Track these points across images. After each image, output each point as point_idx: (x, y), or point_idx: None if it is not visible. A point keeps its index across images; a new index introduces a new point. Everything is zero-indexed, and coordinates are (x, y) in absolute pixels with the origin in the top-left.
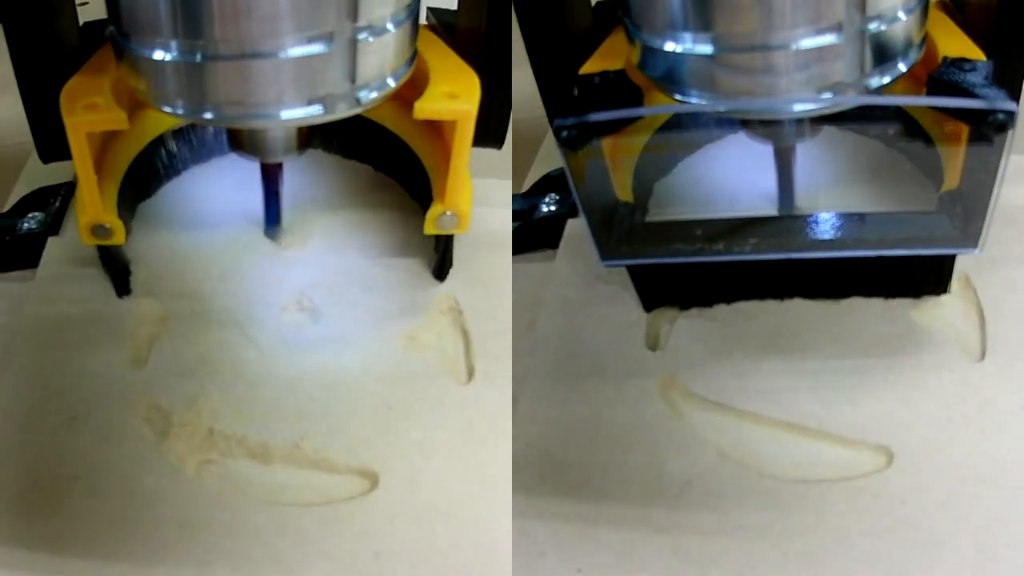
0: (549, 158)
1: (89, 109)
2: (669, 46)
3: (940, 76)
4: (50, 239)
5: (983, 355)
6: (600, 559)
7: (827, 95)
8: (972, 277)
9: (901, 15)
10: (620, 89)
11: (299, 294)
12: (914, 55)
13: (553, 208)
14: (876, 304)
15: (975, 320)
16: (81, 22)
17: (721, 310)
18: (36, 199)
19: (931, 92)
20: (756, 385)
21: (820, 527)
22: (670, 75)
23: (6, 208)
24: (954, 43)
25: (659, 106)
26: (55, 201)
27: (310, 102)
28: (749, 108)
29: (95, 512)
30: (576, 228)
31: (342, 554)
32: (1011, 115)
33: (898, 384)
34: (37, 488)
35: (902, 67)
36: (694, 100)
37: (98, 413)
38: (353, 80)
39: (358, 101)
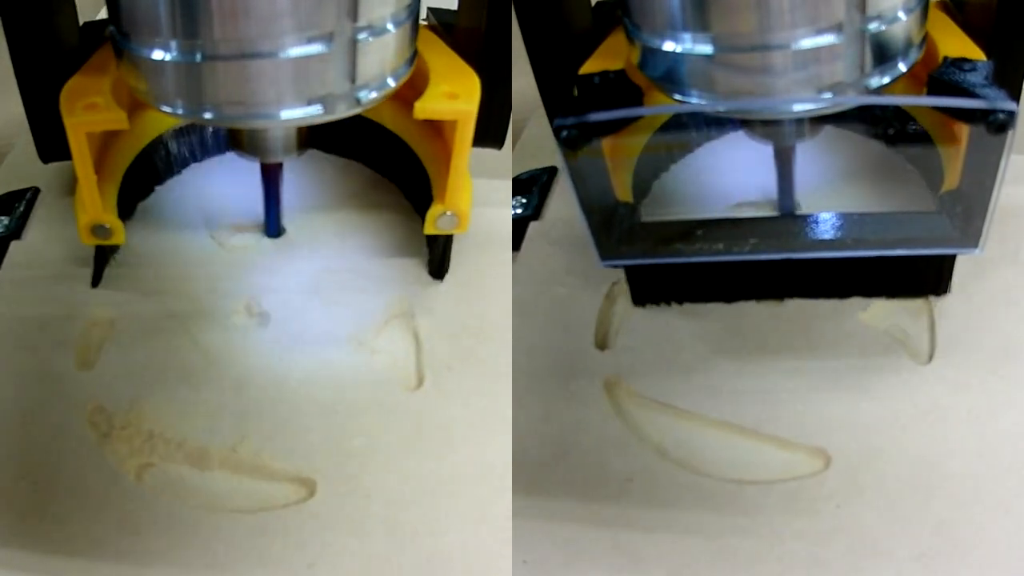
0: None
1: (89, 109)
2: (669, 46)
3: (940, 76)
4: (12, 243)
5: (931, 358)
6: (543, 552)
7: (827, 95)
8: None
9: (901, 15)
10: (620, 89)
11: (250, 298)
12: (914, 55)
13: (519, 211)
14: (824, 305)
15: (925, 322)
16: (81, 22)
17: (670, 311)
18: (1, 204)
19: (931, 92)
20: (700, 385)
21: (755, 528)
22: (670, 75)
23: None
24: (954, 43)
25: (659, 106)
26: (19, 206)
27: (310, 102)
28: (749, 108)
29: (40, 510)
30: (533, 230)
31: (277, 563)
32: (1011, 115)
33: (841, 387)
34: None
35: (902, 67)
36: (694, 100)
37: (48, 414)
38: (353, 80)
39: (358, 101)
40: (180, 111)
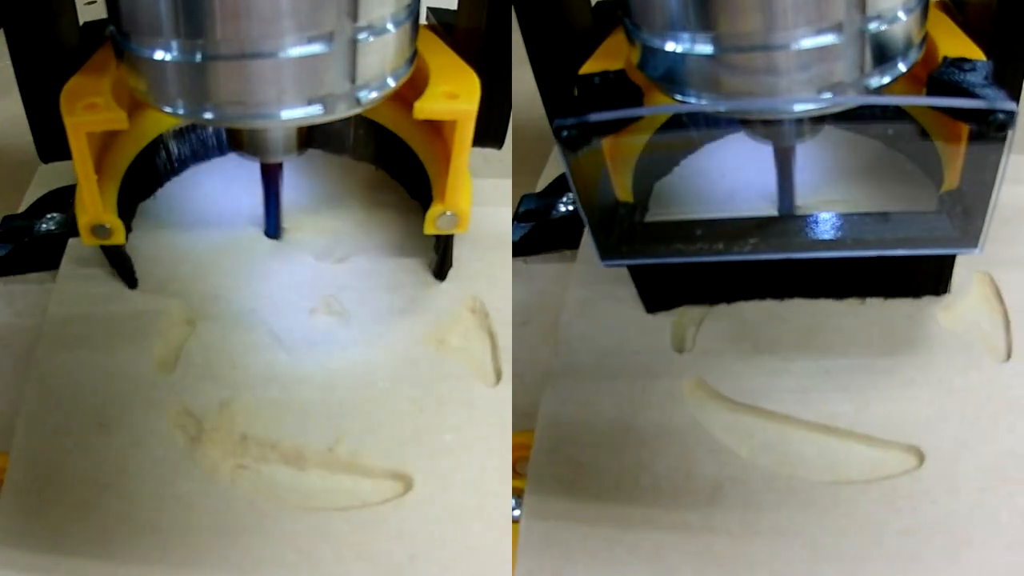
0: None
1: (89, 109)
2: (669, 46)
3: (940, 76)
4: (70, 240)
5: (1009, 355)
6: (630, 565)
7: (827, 95)
8: (995, 276)
9: (901, 15)
10: (620, 89)
11: (327, 296)
12: (914, 55)
13: (571, 208)
14: (904, 305)
15: (1000, 321)
16: (81, 22)
17: (749, 311)
18: (53, 199)
19: (931, 92)
20: (785, 385)
21: (852, 528)
22: (670, 75)
23: (22, 209)
24: (954, 43)
25: (659, 106)
26: (74, 201)
27: (310, 102)
28: (749, 108)
29: (127, 518)
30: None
31: (378, 556)
32: (1011, 115)
33: (926, 384)
34: (68, 495)
35: (902, 67)
36: (694, 100)
37: (128, 418)
38: (353, 80)
39: (358, 101)
40: (180, 111)
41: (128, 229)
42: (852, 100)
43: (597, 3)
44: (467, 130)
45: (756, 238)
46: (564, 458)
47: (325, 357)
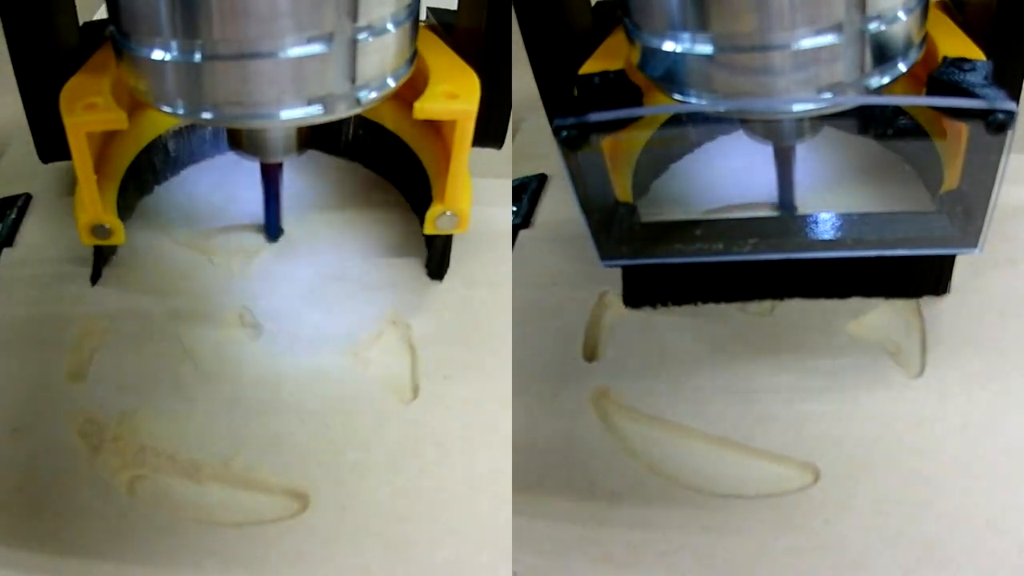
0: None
1: (89, 109)
2: (669, 46)
3: (940, 76)
4: (4, 250)
5: (922, 371)
6: (539, 565)
7: (827, 95)
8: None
9: (901, 15)
10: (620, 89)
11: (243, 307)
12: (914, 55)
13: (511, 221)
14: (815, 316)
15: (916, 334)
16: (81, 22)
17: (659, 321)
18: None
19: (931, 92)
20: (688, 398)
21: (742, 543)
22: (670, 75)
23: None
24: (954, 43)
25: (659, 106)
26: (11, 212)
27: (310, 102)
28: (749, 108)
29: (32, 526)
30: (524, 238)
31: None
32: (1011, 115)
33: (832, 400)
34: None
35: (902, 67)
36: (694, 100)
37: (38, 424)
38: (353, 80)
39: (358, 101)
40: (180, 111)
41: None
42: (852, 100)
43: (597, 3)
44: (467, 130)
45: (755, 238)
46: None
47: (235, 368)
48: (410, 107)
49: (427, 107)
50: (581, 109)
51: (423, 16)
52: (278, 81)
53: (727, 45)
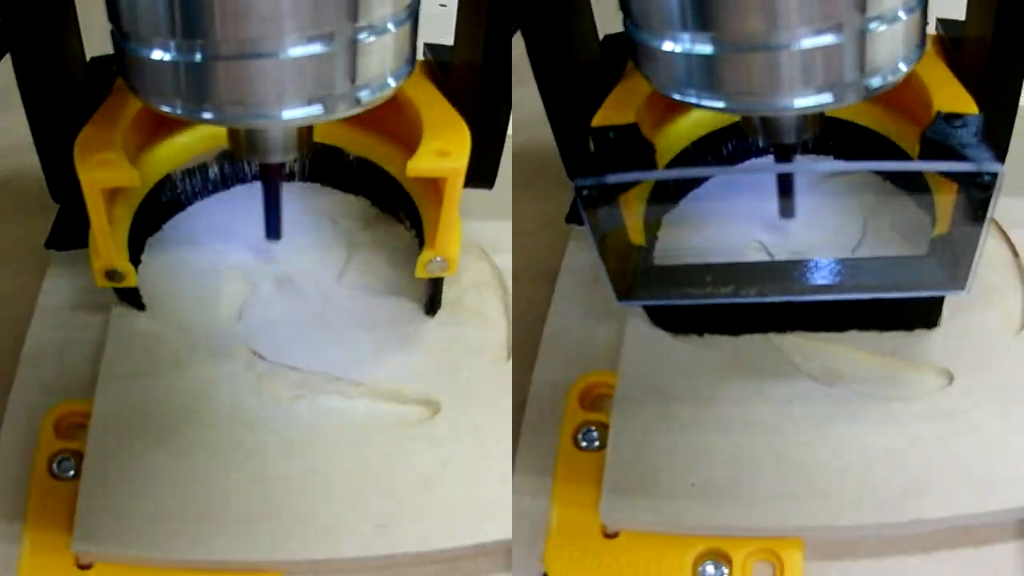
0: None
1: (103, 165)
2: (669, 46)
3: (933, 136)
4: None
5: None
6: None
7: (827, 95)
8: None
9: (901, 15)
10: (633, 146)
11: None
12: (915, 55)
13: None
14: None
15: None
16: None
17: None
18: None
19: (923, 152)
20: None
21: None
22: (670, 75)
23: None
24: (947, 93)
25: (673, 170)
26: None
27: (310, 102)
28: (749, 108)
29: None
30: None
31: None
32: (995, 176)
33: None
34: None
35: (903, 67)
36: (694, 100)
37: (202, 361)
38: (353, 80)
39: (358, 101)
40: (180, 111)
41: (137, 262)
42: (852, 100)
43: (604, 38)
44: (457, 185)
45: (762, 283)
46: None
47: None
48: (405, 149)
49: (419, 166)
50: (599, 169)
51: (420, 52)
52: (279, 81)
53: (727, 45)
